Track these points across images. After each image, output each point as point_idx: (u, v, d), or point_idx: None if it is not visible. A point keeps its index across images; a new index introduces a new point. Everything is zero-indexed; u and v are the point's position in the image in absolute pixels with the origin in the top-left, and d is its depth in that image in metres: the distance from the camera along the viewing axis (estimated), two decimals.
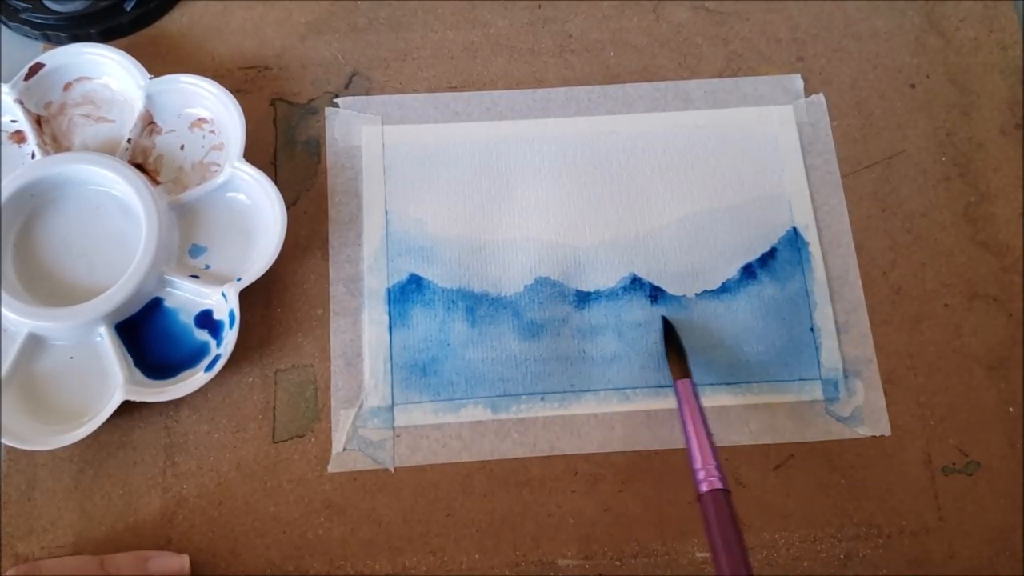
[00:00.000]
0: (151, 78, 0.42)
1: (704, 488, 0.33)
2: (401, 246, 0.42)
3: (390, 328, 0.41)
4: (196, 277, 0.39)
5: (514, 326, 0.41)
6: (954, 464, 0.40)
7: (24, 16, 0.44)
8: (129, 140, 0.42)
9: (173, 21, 0.46)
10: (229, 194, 0.41)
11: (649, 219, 0.43)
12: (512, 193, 0.43)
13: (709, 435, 0.35)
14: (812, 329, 0.41)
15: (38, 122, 0.42)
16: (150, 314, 0.39)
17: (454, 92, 0.45)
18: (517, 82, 0.45)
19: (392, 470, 0.39)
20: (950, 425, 0.40)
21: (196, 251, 0.41)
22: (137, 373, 0.38)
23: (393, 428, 0.39)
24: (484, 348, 0.41)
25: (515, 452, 0.39)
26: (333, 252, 0.42)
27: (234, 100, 0.41)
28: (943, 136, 0.45)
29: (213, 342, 0.39)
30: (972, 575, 0.38)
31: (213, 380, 0.38)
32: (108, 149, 0.42)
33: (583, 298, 0.41)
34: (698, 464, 0.34)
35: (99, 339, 0.39)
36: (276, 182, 0.41)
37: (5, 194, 0.39)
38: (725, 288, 0.42)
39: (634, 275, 0.42)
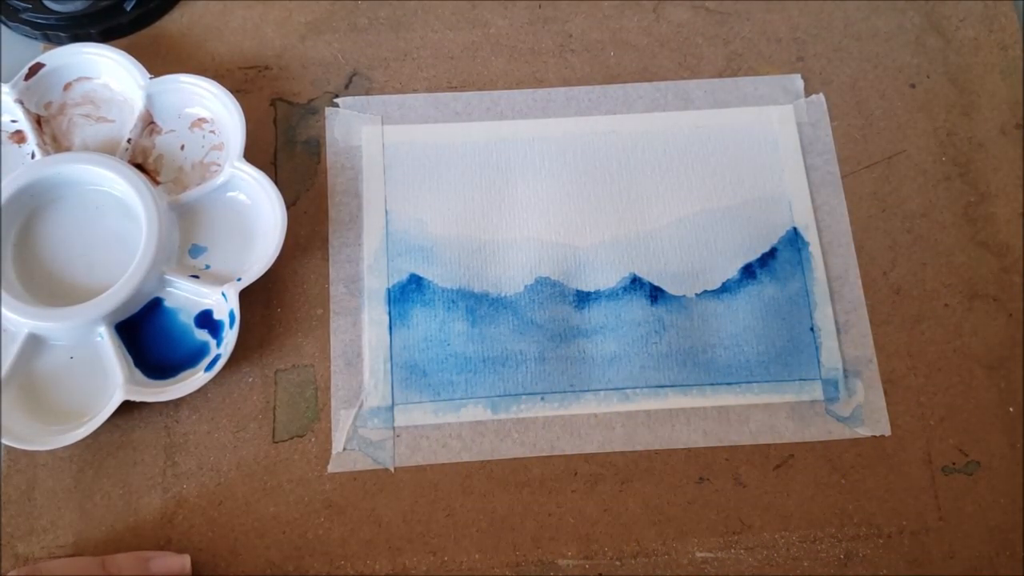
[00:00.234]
0: (151, 78, 0.42)
1: None
2: (401, 246, 0.42)
3: (390, 328, 0.41)
4: (196, 277, 0.39)
5: (514, 326, 0.41)
6: (954, 464, 0.40)
7: (24, 16, 0.44)
8: (129, 140, 0.42)
9: (173, 21, 0.46)
10: (229, 194, 0.41)
11: (649, 219, 0.43)
12: (512, 193, 0.43)
13: None
14: (812, 329, 0.41)
15: (38, 122, 0.42)
16: (150, 314, 0.39)
17: (454, 92, 0.45)
18: (517, 82, 0.45)
19: (392, 470, 0.39)
20: (950, 425, 0.40)
21: (196, 251, 0.41)
22: (137, 373, 0.38)
23: (393, 428, 0.39)
24: (484, 348, 0.41)
25: (515, 452, 0.39)
26: (333, 252, 0.42)
27: (234, 100, 0.41)
28: (943, 136, 0.45)
29: (213, 342, 0.39)
30: (972, 575, 0.38)
31: (213, 380, 0.38)
32: (108, 149, 0.42)
33: (583, 298, 0.41)
34: None
35: (99, 339, 0.39)
36: (276, 182, 0.41)
37: (5, 194, 0.39)
38: (725, 288, 0.42)
39: (634, 275, 0.42)
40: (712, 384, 0.40)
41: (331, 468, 0.39)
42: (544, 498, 0.39)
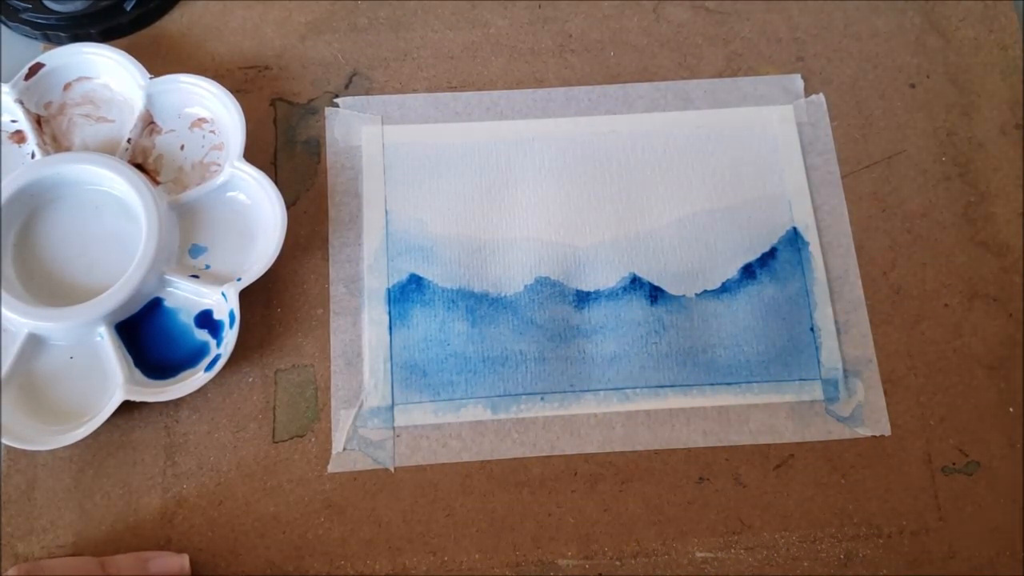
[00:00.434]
0: (151, 78, 0.42)
1: None
2: (401, 246, 0.42)
3: (390, 328, 0.41)
4: (196, 277, 0.39)
5: (514, 326, 0.41)
6: (954, 464, 0.40)
7: (24, 16, 0.44)
8: (129, 140, 0.42)
9: (173, 21, 0.46)
10: (229, 194, 0.41)
11: (649, 219, 0.43)
12: (512, 193, 0.43)
13: None
14: (812, 329, 0.41)
15: (38, 122, 0.42)
16: (150, 314, 0.39)
17: (454, 92, 0.45)
18: (517, 82, 0.45)
19: (392, 470, 0.39)
20: (950, 425, 0.40)
21: (196, 251, 0.41)
22: (137, 373, 0.38)
23: (393, 428, 0.39)
24: (484, 348, 0.41)
25: (515, 452, 0.39)
26: (333, 252, 0.42)
27: (234, 100, 0.41)
28: (943, 136, 0.45)
29: (213, 342, 0.39)
30: (972, 575, 0.38)
31: (213, 380, 0.38)
32: (108, 149, 0.42)
33: (583, 298, 0.41)
34: None
35: (99, 339, 0.39)
36: (276, 182, 0.41)
37: (5, 194, 0.39)
38: (725, 288, 0.42)
39: (634, 275, 0.42)
40: (712, 384, 0.40)
41: (331, 468, 0.39)
42: (544, 498, 0.39)
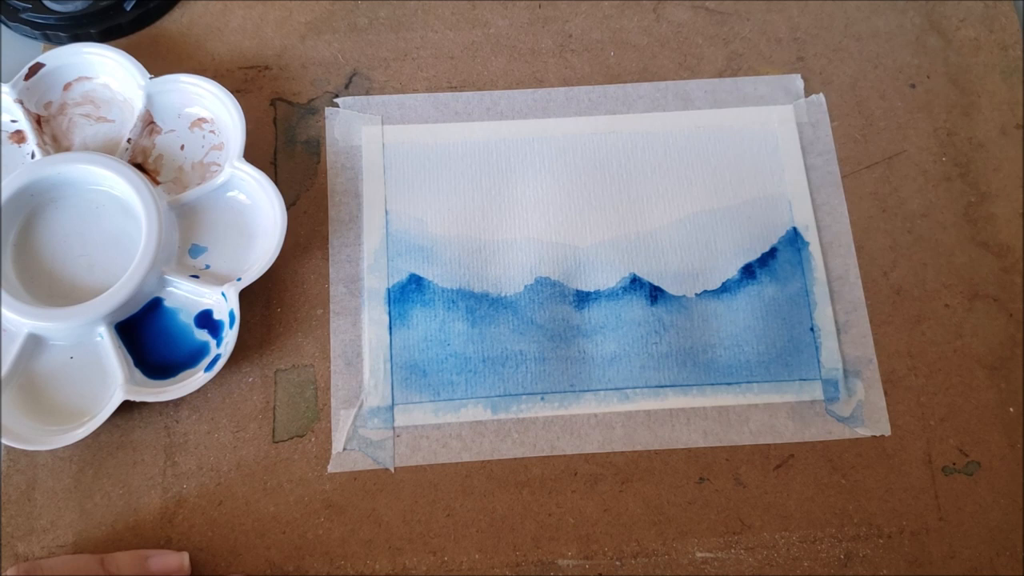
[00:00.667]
0: (151, 78, 0.42)
1: None
2: (401, 246, 0.42)
3: (390, 328, 0.41)
4: (196, 277, 0.39)
5: (514, 326, 0.41)
6: (954, 464, 0.40)
7: (24, 16, 0.44)
8: (129, 140, 0.42)
9: (173, 21, 0.46)
10: (229, 194, 0.41)
11: (649, 219, 0.43)
12: (512, 193, 0.43)
13: None
14: (812, 329, 0.41)
15: (38, 122, 0.42)
16: (150, 314, 0.39)
17: (454, 92, 0.45)
18: (517, 82, 0.45)
19: (392, 470, 0.39)
20: (950, 425, 0.40)
21: (196, 251, 0.41)
22: (137, 373, 0.38)
23: (393, 428, 0.39)
24: (484, 348, 0.41)
25: (515, 452, 0.39)
26: (333, 252, 0.42)
27: (234, 100, 0.41)
28: (943, 136, 0.45)
29: (213, 342, 0.39)
30: (972, 575, 0.38)
31: (213, 380, 0.38)
32: (108, 149, 0.42)
33: (583, 298, 0.41)
34: None
35: (99, 339, 0.39)
36: (276, 182, 0.41)
37: (5, 194, 0.39)
38: (725, 288, 0.42)
39: (634, 275, 0.42)
40: (712, 384, 0.40)
41: (331, 468, 0.39)
42: (544, 498, 0.39)
